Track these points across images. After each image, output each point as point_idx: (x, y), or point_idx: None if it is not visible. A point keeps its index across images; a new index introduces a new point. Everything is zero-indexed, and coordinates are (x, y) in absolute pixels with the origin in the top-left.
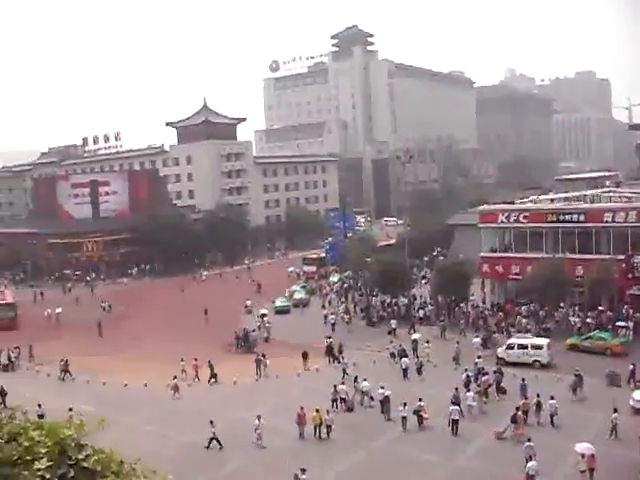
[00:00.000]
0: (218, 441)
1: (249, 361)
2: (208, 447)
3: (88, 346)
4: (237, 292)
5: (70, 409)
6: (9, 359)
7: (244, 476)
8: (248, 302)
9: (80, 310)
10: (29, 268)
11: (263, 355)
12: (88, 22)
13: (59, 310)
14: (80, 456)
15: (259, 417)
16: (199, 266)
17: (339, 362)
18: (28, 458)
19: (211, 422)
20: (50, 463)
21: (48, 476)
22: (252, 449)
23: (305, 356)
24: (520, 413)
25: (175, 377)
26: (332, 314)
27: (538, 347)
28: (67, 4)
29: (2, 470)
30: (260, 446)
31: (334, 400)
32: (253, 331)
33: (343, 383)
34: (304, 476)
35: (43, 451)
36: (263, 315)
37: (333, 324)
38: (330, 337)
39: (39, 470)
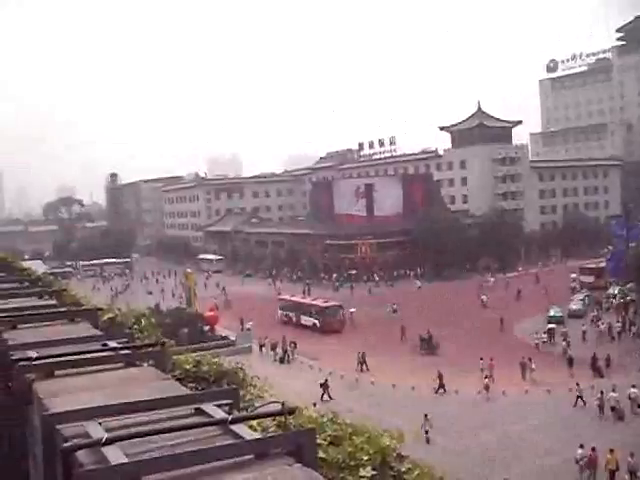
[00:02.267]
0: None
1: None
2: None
3: (379, 346)
4: (528, 300)
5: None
6: (285, 352)
7: None
8: (483, 297)
9: (367, 310)
10: (306, 266)
11: (529, 359)
12: (353, 28)
13: (353, 310)
14: (402, 468)
15: (581, 446)
16: (471, 271)
17: (602, 377)
18: (352, 464)
19: (425, 416)
20: (374, 472)
21: None
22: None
23: (571, 363)
24: None
25: (486, 377)
26: (618, 323)
27: None
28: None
29: (329, 472)
30: None
31: (600, 407)
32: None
33: (614, 390)
34: None
35: (365, 458)
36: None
37: (619, 333)
38: None
39: (363, 477)
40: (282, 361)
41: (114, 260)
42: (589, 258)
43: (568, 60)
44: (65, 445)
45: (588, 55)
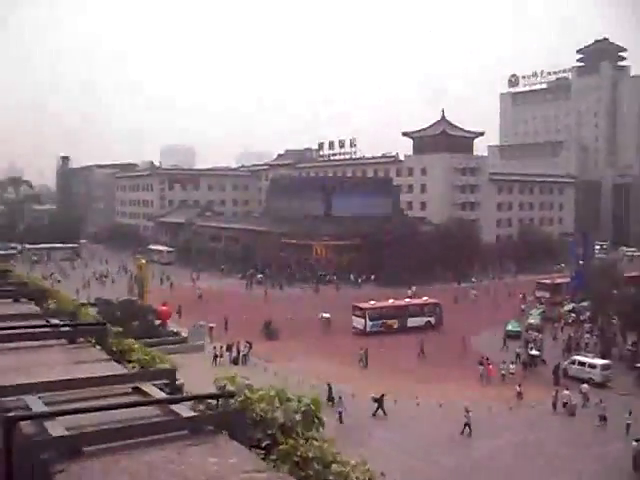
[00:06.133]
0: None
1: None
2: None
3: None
4: (484, 313)
5: None
6: (238, 352)
7: None
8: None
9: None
10: (259, 265)
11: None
12: (319, 27)
13: (327, 315)
14: None
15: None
16: (426, 279)
17: (558, 384)
18: None
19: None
20: None
21: None
22: None
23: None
24: None
25: (519, 385)
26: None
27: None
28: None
29: None
30: None
31: (553, 404)
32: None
33: (567, 389)
34: None
35: None
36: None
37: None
38: None
39: None
40: (236, 362)
41: (62, 245)
42: (542, 273)
43: (529, 76)
44: (8, 415)
45: (549, 73)
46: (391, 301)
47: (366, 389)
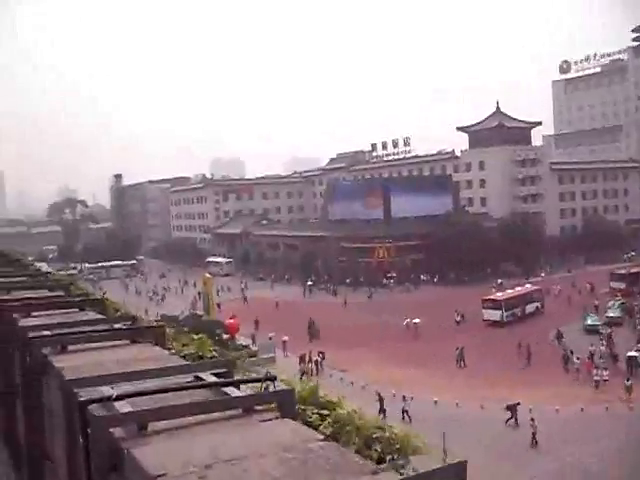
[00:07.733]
0: None
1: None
2: None
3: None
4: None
5: None
6: (314, 363)
7: None
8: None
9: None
10: (321, 270)
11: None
12: (364, 30)
13: (417, 320)
14: None
15: None
16: (493, 276)
17: None
18: None
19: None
20: None
21: None
22: None
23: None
24: None
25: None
26: None
27: None
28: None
29: None
30: None
31: None
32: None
33: None
34: None
35: None
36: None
37: None
38: None
39: None
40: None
41: (120, 262)
42: (611, 263)
43: (582, 61)
44: (81, 399)
45: (602, 56)
46: (510, 291)
47: (451, 395)
